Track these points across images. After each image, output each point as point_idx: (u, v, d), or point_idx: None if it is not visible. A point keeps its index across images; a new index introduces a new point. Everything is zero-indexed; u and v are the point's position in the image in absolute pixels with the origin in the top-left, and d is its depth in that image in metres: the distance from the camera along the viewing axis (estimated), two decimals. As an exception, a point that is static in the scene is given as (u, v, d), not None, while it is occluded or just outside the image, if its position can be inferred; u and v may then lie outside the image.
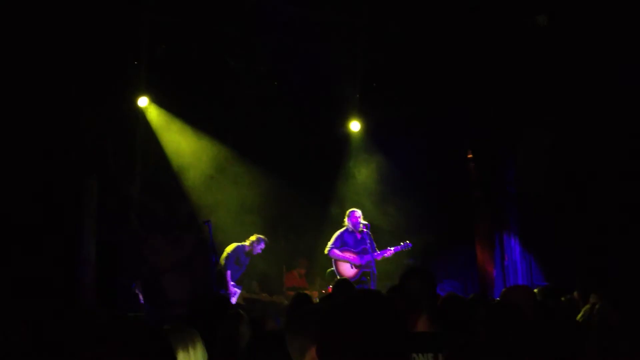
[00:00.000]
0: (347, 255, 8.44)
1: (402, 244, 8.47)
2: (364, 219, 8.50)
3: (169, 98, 9.20)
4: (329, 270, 8.66)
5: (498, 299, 4.89)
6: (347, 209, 8.71)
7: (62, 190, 5.46)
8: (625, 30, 6.63)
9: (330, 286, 7.52)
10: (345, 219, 8.60)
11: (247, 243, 8.63)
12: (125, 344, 1.52)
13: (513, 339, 2.71)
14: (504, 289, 3.95)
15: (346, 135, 10.38)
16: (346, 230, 8.57)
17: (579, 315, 4.82)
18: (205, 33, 8.42)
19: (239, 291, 8.54)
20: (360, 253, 8.43)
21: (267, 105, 9.48)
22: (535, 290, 4.75)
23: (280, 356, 2.42)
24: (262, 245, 8.68)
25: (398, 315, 1.72)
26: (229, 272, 8.46)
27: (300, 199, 9.96)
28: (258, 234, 8.78)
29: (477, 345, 2.98)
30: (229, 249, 8.63)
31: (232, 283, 8.46)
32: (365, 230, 8.33)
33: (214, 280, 8.18)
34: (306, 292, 7.53)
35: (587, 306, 4.90)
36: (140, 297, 8.40)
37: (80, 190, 5.67)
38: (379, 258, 8.34)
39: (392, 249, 8.44)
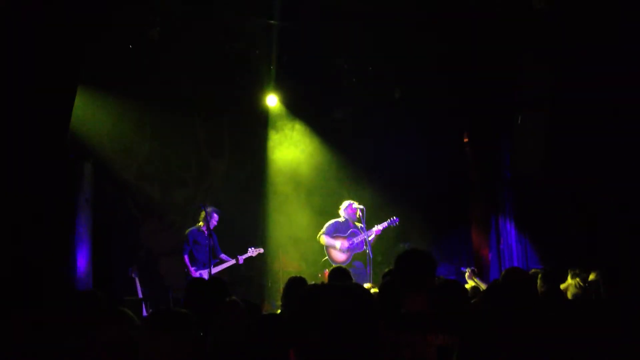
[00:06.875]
0: (336, 240, 8.44)
1: (389, 220, 8.45)
2: (359, 203, 8.50)
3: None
4: (324, 259, 8.64)
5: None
6: (346, 193, 8.71)
7: (57, 173, 5.44)
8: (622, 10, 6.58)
9: (327, 270, 7.53)
10: (340, 210, 8.59)
11: (200, 223, 8.49)
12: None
13: (512, 320, 2.71)
14: (503, 271, 3.95)
15: (339, 119, 10.35)
16: (338, 220, 8.57)
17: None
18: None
19: (205, 271, 8.34)
20: (348, 236, 8.45)
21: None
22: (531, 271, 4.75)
23: (277, 339, 2.43)
24: (216, 217, 8.49)
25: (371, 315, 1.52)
26: (186, 257, 8.43)
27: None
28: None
29: (473, 328, 2.98)
30: (185, 234, 8.58)
31: (193, 268, 8.37)
32: (361, 225, 8.33)
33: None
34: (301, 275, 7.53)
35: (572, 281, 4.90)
36: (137, 281, 8.40)
37: (76, 173, 5.65)
38: (370, 238, 8.32)
39: (379, 226, 8.43)
